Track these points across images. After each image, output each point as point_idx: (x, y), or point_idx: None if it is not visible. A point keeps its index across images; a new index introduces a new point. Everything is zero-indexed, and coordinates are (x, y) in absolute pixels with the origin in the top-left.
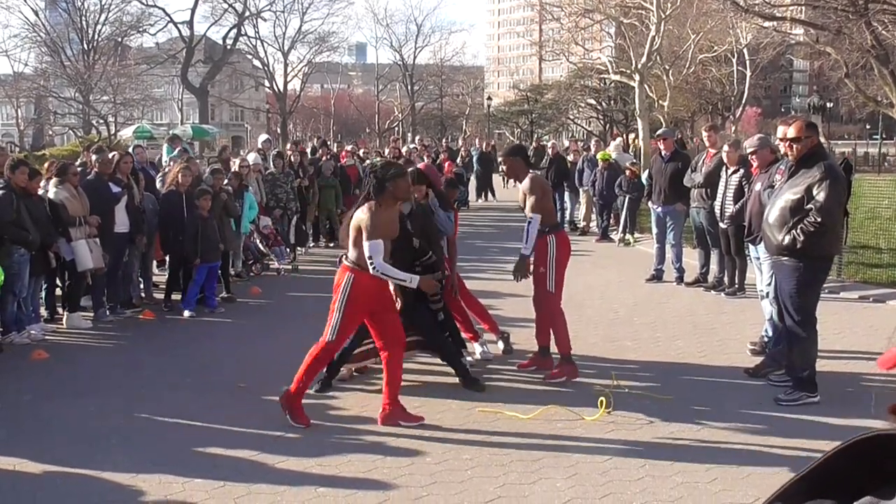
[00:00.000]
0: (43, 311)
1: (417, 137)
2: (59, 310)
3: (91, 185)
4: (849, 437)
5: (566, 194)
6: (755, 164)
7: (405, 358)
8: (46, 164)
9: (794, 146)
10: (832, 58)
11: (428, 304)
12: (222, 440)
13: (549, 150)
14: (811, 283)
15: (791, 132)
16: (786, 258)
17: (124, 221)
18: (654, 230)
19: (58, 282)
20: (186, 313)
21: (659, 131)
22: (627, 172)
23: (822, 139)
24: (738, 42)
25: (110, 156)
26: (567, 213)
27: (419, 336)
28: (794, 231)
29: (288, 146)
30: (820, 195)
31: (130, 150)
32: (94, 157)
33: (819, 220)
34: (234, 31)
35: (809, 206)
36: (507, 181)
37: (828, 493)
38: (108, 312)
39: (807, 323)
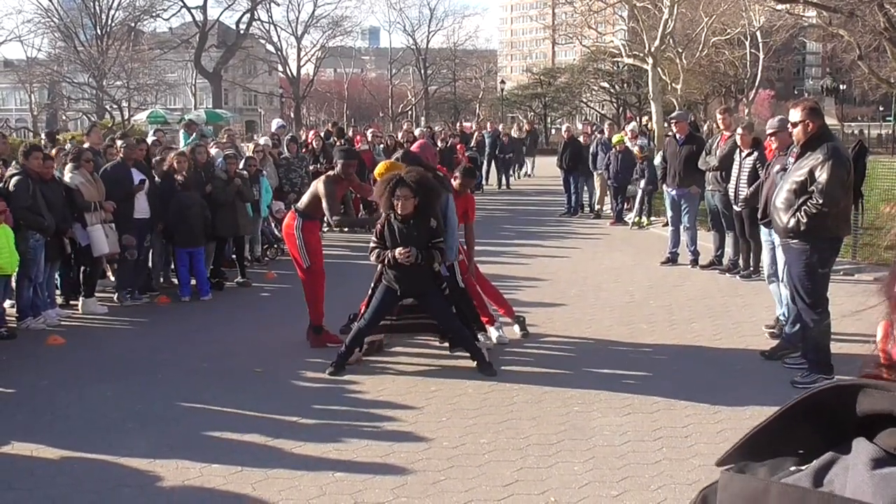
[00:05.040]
0: (59, 298)
1: (431, 124)
2: (75, 295)
3: (113, 172)
4: None
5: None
6: (774, 146)
7: (413, 336)
8: (55, 151)
9: (797, 128)
10: (845, 40)
11: (440, 288)
12: (239, 425)
13: (564, 134)
14: (819, 265)
15: (794, 116)
16: (794, 241)
17: (144, 208)
18: (669, 213)
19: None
20: (184, 299)
21: (672, 114)
22: (638, 157)
23: (836, 121)
24: (750, 25)
25: (135, 141)
26: (583, 196)
27: (431, 320)
28: (797, 213)
29: (309, 132)
30: (822, 177)
31: (151, 134)
32: (118, 143)
33: (820, 201)
34: (248, 15)
35: (812, 188)
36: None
37: (790, 445)
38: (127, 297)
39: (818, 305)
